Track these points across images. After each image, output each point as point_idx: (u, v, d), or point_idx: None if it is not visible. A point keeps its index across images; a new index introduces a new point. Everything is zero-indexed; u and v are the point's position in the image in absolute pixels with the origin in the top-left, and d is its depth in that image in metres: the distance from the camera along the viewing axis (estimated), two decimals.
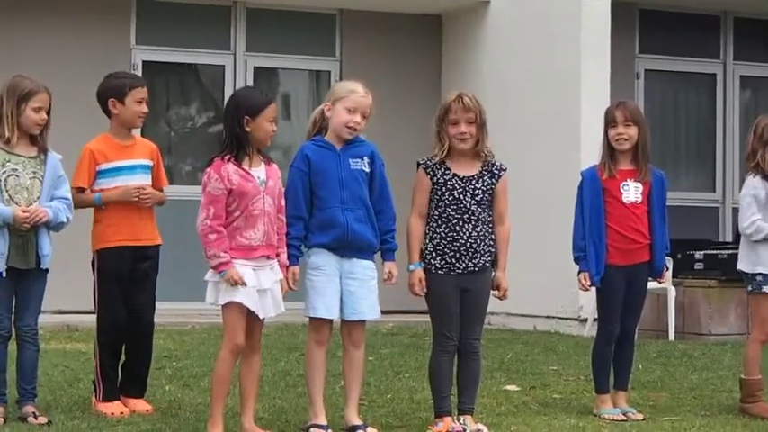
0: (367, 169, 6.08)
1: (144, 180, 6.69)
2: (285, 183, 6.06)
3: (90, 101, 10.62)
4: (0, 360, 6.18)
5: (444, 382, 6.16)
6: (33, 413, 6.18)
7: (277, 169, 5.96)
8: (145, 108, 6.72)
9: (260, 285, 5.80)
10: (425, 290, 6.12)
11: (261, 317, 5.83)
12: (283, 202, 5.96)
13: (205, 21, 12.73)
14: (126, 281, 6.63)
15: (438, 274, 6.11)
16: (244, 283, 5.71)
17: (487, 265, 6.18)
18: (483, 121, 6.13)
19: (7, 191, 6.14)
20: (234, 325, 5.79)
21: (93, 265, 6.68)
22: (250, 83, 12.48)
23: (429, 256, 6.13)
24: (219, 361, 5.85)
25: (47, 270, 6.28)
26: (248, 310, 5.77)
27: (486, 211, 6.17)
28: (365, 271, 6.07)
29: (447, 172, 6.14)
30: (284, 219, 5.96)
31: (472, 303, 6.15)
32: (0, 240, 6.11)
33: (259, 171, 5.85)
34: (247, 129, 5.79)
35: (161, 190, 6.81)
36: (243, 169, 5.79)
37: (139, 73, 11.94)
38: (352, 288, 6.04)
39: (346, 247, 6.02)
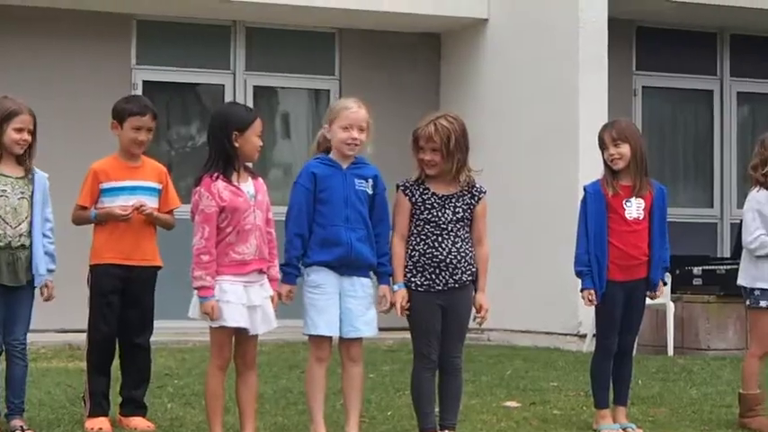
0: (370, 191, 6.14)
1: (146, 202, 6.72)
2: (288, 200, 6.09)
3: (90, 119, 10.70)
4: None
5: (427, 400, 6.18)
6: (21, 427, 6.27)
7: (263, 183, 6.00)
8: (142, 137, 6.69)
9: (250, 302, 5.81)
10: (407, 309, 6.12)
11: (250, 333, 5.85)
12: (271, 215, 5.99)
13: (205, 40, 12.79)
14: (119, 299, 6.67)
15: (418, 291, 6.13)
16: (213, 319, 5.73)
17: (468, 282, 6.18)
18: (451, 149, 6.09)
19: None
20: (219, 343, 5.83)
21: (87, 281, 6.75)
22: (250, 102, 12.52)
23: (410, 274, 6.15)
24: (209, 377, 5.89)
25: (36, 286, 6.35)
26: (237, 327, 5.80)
27: (466, 229, 6.19)
28: (363, 288, 6.12)
29: (426, 191, 6.17)
30: (273, 232, 5.99)
31: (453, 321, 6.16)
32: None
33: (248, 186, 5.88)
34: (236, 144, 5.82)
35: (171, 212, 6.85)
36: (233, 185, 5.82)
37: (140, 92, 12.01)
38: (351, 305, 6.07)
39: (347, 266, 6.07)
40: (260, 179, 5.99)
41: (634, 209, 6.75)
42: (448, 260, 6.13)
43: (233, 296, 5.77)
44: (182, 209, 6.99)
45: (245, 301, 5.80)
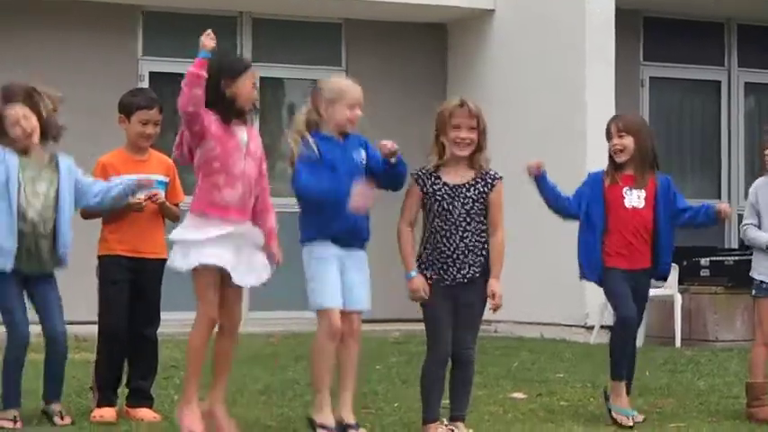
0: (364, 162, 6.13)
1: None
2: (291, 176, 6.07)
3: (97, 111, 10.70)
4: (18, 364, 6.28)
5: (435, 391, 6.15)
6: (60, 412, 6.35)
7: (256, 133, 5.98)
8: (150, 130, 6.73)
9: (234, 258, 5.71)
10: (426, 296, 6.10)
11: (234, 281, 5.71)
12: (264, 167, 5.98)
13: None
14: (127, 290, 6.69)
15: (429, 284, 6.11)
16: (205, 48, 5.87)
17: (478, 275, 6.12)
18: (484, 129, 6.12)
19: (26, 196, 6.24)
20: (204, 293, 5.69)
21: (96, 272, 6.77)
22: (256, 93, 12.52)
23: (422, 267, 6.14)
24: (194, 332, 5.74)
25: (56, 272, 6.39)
26: (223, 278, 5.70)
27: (477, 219, 6.13)
28: (361, 263, 6.12)
29: (437, 181, 6.12)
30: (267, 186, 5.96)
31: (465, 314, 6.12)
32: (10, 238, 6.19)
33: (241, 132, 5.87)
34: (229, 91, 5.86)
35: (177, 204, 6.86)
36: (225, 125, 5.79)
37: (146, 84, 12.01)
38: (354, 278, 6.07)
39: (348, 239, 6.06)
40: (254, 128, 5.95)
41: (635, 197, 6.79)
42: (455, 256, 6.09)
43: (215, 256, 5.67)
44: (186, 200, 6.99)
45: (231, 260, 5.70)
